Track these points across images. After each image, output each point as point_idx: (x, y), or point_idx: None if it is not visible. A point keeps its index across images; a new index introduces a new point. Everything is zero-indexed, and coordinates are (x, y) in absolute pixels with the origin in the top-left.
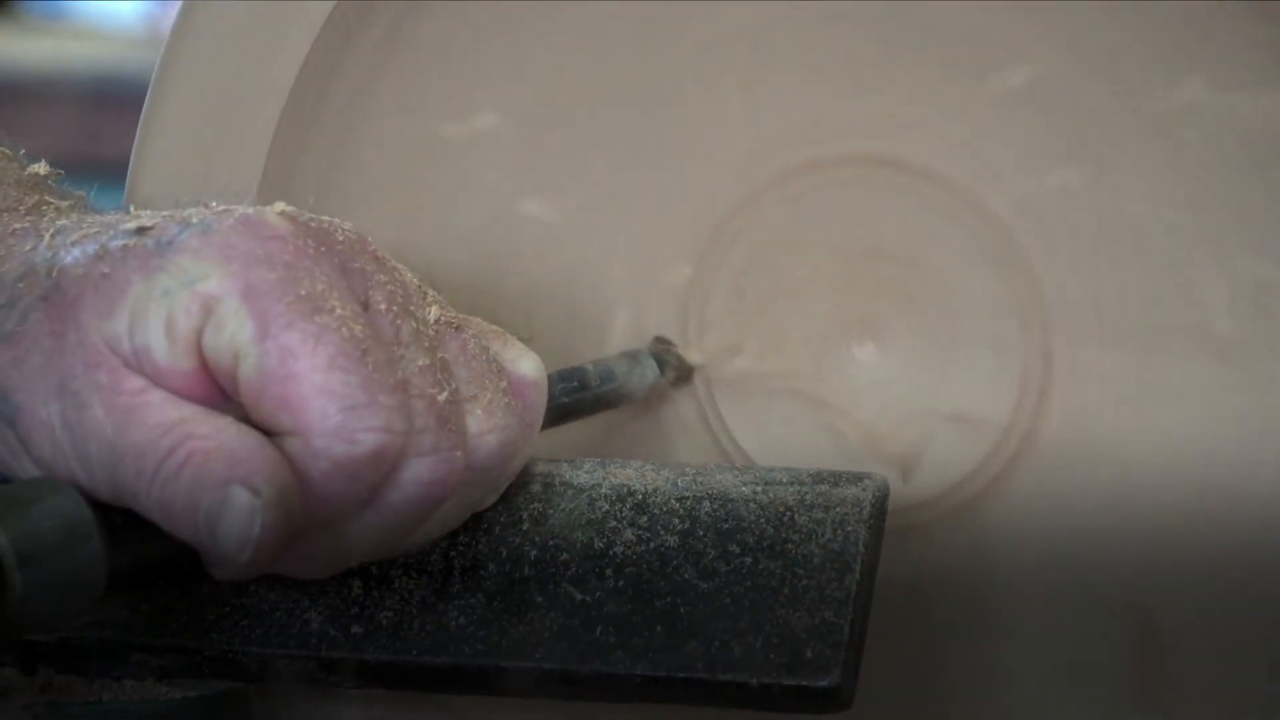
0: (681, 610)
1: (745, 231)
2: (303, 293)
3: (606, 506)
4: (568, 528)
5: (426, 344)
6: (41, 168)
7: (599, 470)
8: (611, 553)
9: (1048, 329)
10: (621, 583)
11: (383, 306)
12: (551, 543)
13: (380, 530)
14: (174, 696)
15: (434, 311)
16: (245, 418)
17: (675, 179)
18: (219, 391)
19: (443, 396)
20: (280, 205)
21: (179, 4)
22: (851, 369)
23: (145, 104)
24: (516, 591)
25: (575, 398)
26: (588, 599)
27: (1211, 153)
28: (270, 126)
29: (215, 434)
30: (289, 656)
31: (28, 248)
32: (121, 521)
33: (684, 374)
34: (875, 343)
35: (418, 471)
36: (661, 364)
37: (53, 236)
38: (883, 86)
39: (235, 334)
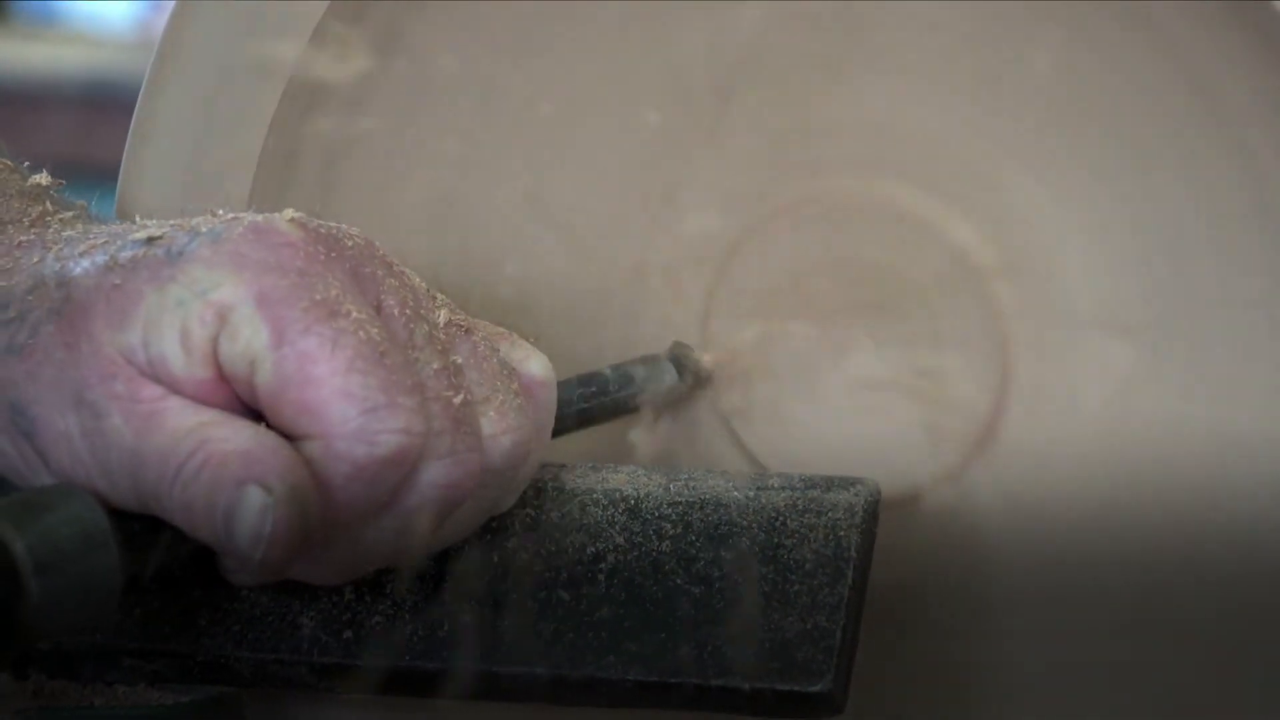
0: (673, 615)
1: (755, 249)
2: (317, 298)
3: (599, 511)
4: (560, 532)
5: (439, 347)
6: (43, 178)
7: (591, 475)
8: (603, 558)
9: (1013, 336)
10: (613, 588)
11: (395, 311)
12: (543, 548)
13: (398, 534)
14: (166, 701)
15: (443, 315)
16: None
17: (683, 190)
18: (236, 399)
19: (458, 399)
20: (290, 212)
21: (171, 7)
22: (842, 376)
23: (136, 108)
24: (508, 596)
25: (593, 403)
26: (580, 604)
27: (1176, 153)
28: (262, 130)
29: (234, 436)
30: (280, 661)
31: (35, 260)
32: (138, 528)
33: (702, 379)
34: (863, 351)
35: (435, 474)
36: (680, 369)
37: (60, 248)
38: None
39: (250, 341)
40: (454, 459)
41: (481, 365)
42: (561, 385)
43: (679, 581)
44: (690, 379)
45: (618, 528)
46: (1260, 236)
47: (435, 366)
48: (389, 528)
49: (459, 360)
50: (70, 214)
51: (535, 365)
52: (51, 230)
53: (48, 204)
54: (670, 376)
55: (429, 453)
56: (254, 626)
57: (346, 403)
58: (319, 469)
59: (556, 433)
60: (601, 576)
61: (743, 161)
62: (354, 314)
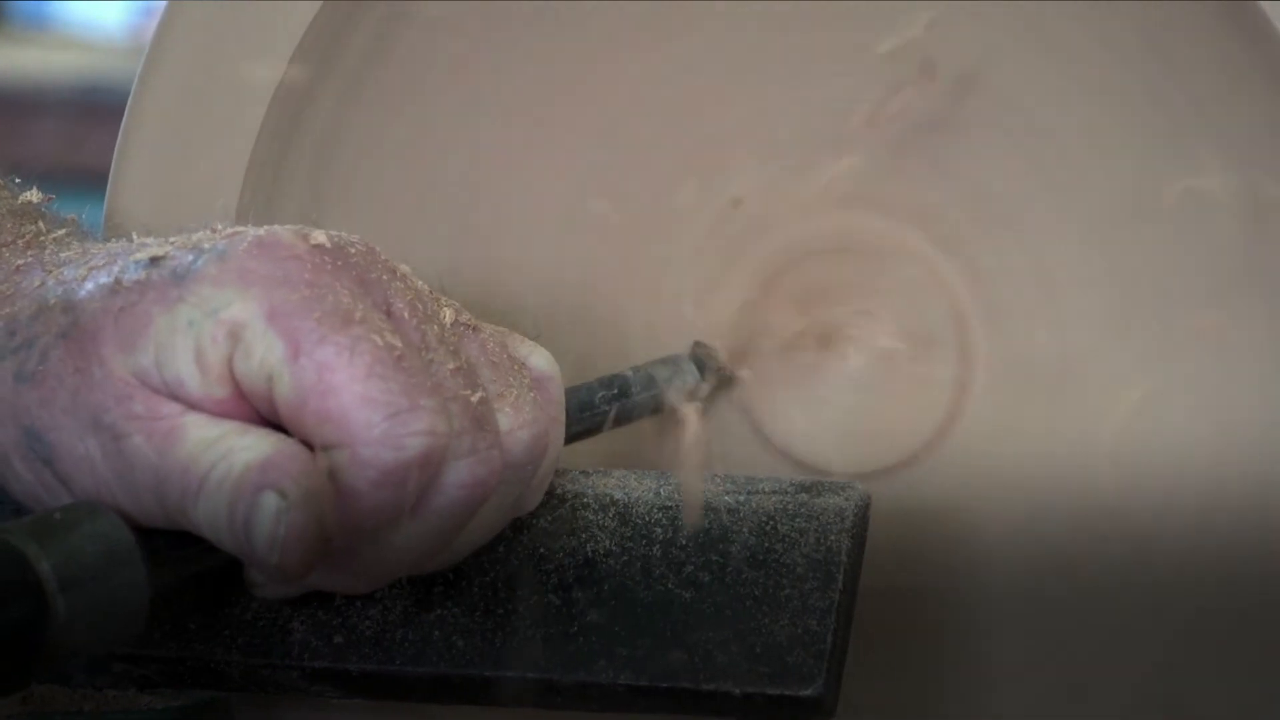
0: (664, 619)
1: (768, 259)
2: (329, 307)
3: (589, 516)
4: (550, 537)
5: (451, 347)
6: (33, 195)
7: (581, 479)
8: (594, 562)
9: (979, 342)
10: (604, 592)
11: (405, 314)
12: (534, 552)
13: (424, 538)
14: (156, 706)
15: (449, 315)
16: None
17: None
18: (256, 415)
19: (475, 397)
20: (319, 234)
21: (160, 11)
22: (838, 378)
23: (125, 113)
24: (499, 601)
25: (616, 405)
26: (571, 609)
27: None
28: (252, 135)
29: (256, 444)
30: (271, 666)
31: (36, 284)
32: (163, 544)
33: (725, 379)
34: (853, 356)
35: (458, 474)
36: (702, 369)
37: (60, 271)
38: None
39: (266, 357)
40: (476, 457)
41: (493, 362)
42: (584, 388)
43: (670, 585)
44: (712, 379)
45: (608, 532)
46: (1247, 235)
47: (450, 367)
48: (415, 532)
49: (471, 359)
50: (63, 231)
51: (539, 359)
52: (48, 252)
53: (40, 223)
54: (692, 377)
55: (451, 453)
56: (245, 631)
57: (370, 409)
58: (346, 476)
59: (579, 435)
60: (592, 581)
61: (756, 167)
62: (367, 320)
